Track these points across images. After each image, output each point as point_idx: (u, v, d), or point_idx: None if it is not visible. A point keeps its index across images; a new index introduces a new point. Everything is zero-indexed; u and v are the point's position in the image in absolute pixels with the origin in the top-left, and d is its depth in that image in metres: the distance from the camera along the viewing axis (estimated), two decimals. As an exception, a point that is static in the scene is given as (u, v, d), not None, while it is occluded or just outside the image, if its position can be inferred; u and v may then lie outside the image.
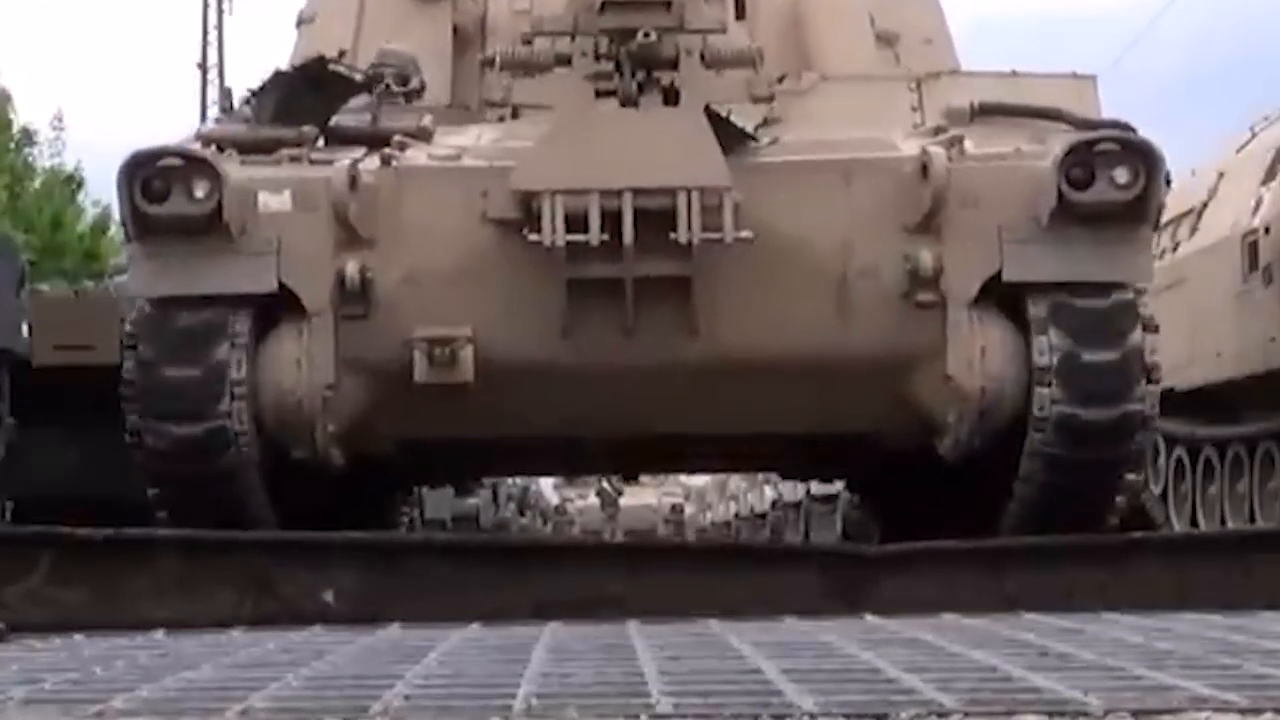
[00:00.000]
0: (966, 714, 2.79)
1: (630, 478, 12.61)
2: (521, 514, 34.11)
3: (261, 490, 7.22)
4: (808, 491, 26.07)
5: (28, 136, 31.99)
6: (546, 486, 40.22)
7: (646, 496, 36.51)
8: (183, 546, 5.55)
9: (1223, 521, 13.40)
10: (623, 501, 34.33)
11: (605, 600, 5.28)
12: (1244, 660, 3.56)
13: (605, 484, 33.45)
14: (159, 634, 4.84)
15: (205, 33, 37.57)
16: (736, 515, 37.58)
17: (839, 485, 22.36)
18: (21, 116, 32.26)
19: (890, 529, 9.92)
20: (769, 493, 31.70)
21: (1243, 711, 2.79)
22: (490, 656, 3.91)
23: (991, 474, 7.34)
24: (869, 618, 5.05)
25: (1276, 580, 5.46)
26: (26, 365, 11.53)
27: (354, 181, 7.10)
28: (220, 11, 37.59)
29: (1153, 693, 3.01)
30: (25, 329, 11.82)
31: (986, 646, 3.93)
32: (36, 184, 31.47)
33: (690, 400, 7.33)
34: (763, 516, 32.95)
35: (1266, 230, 12.54)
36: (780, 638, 4.28)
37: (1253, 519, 13.07)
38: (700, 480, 43.93)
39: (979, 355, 7.15)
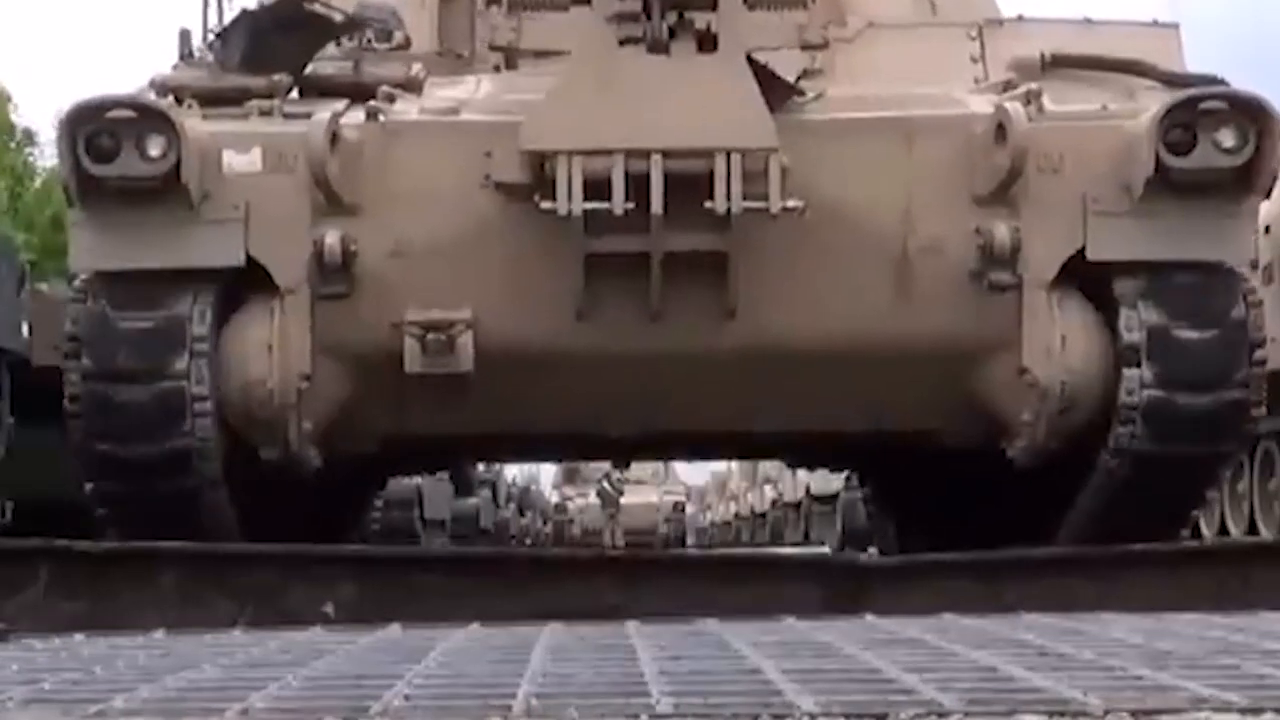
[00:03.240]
0: (966, 714, 2.78)
1: (624, 466, 11.60)
2: (522, 514, 34.20)
3: (222, 488, 6.41)
4: (808, 491, 26.10)
5: (28, 137, 32.07)
6: (546, 485, 40.29)
7: (647, 495, 36.47)
8: (182, 559, 5.51)
9: (1222, 521, 13.39)
10: (623, 500, 34.29)
11: (604, 611, 5.24)
12: (1244, 660, 3.56)
13: (606, 483, 33.43)
14: (159, 634, 4.83)
15: (205, 32, 37.46)
16: (736, 515, 37.65)
17: (838, 484, 22.41)
18: (21, 117, 32.32)
19: (910, 532, 9.36)
20: (769, 492, 31.76)
21: (1243, 711, 2.79)
22: (490, 656, 3.90)
23: (1050, 474, 6.58)
24: (869, 618, 5.04)
25: (1276, 591, 5.42)
26: (26, 365, 11.54)
27: (335, 138, 6.24)
28: (220, 11, 37.50)
29: (1153, 693, 3.00)
30: (25, 329, 11.84)
31: (986, 646, 3.92)
32: (37, 184, 31.51)
33: (723, 394, 6.54)
34: (763, 516, 33.01)
35: (1266, 230, 12.52)
36: (780, 638, 4.27)
37: (1252, 519, 13.07)
38: (700, 480, 44.04)
39: (1059, 345, 6.32)
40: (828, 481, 23.34)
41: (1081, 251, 6.32)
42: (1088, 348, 6.37)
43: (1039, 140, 6.24)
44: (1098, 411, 6.39)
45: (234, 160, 6.27)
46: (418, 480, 18.67)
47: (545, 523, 38.28)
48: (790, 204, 6.09)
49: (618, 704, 2.93)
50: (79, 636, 4.76)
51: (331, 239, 6.22)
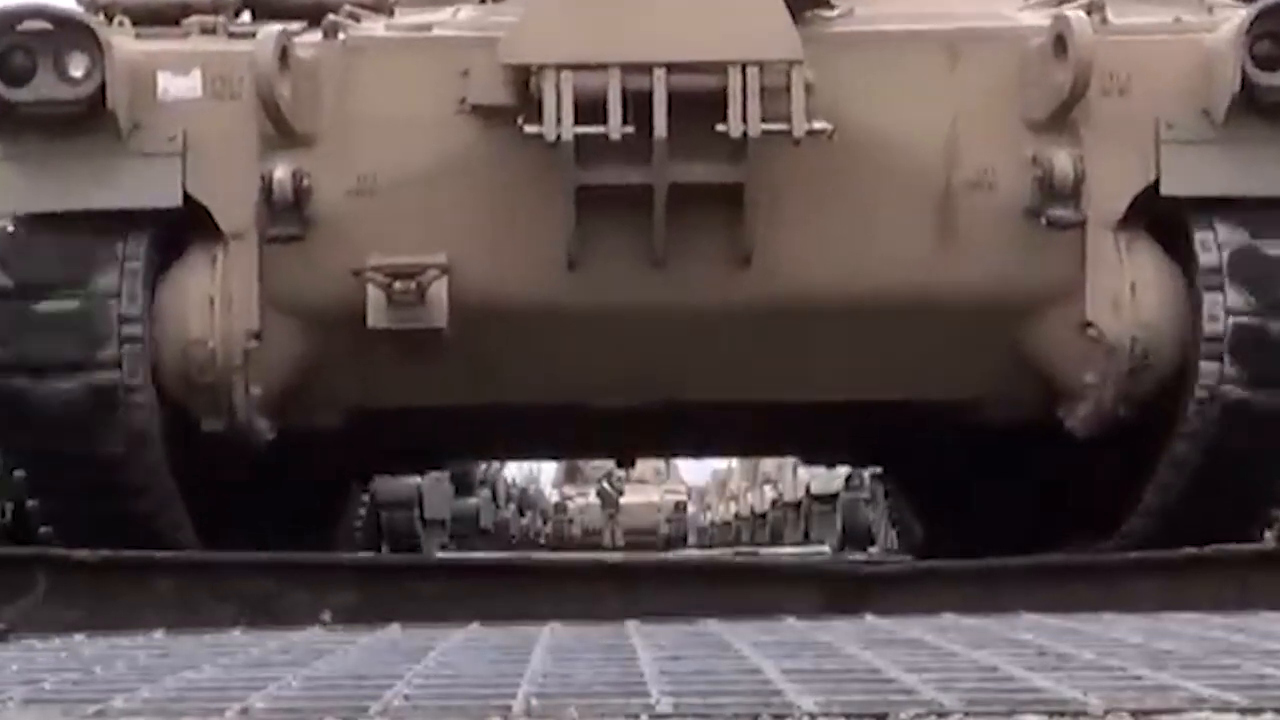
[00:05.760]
0: (966, 714, 2.78)
1: (629, 464, 11.05)
2: (522, 514, 34.14)
3: (165, 474, 5.74)
4: (808, 491, 26.08)
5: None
6: (545, 485, 40.31)
7: (649, 494, 36.42)
8: (179, 567, 5.50)
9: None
10: (624, 500, 34.30)
11: (604, 615, 5.23)
12: (1244, 660, 3.56)
13: (606, 483, 33.45)
14: (158, 634, 4.83)
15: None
16: (736, 515, 37.65)
17: (838, 484, 22.40)
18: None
19: (940, 536, 8.74)
20: (769, 492, 31.76)
21: (1243, 711, 2.79)
22: (490, 656, 3.90)
23: (1108, 459, 6.04)
24: (869, 618, 5.04)
25: (1275, 597, 5.41)
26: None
27: (285, 57, 5.45)
28: (220, 11, 37.43)
29: (1153, 693, 3.00)
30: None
31: (986, 646, 3.92)
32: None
33: (735, 355, 5.82)
34: (763, 516, 33.00)
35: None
36: (780, 638, 4.27)
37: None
38: (700, 480, 44.01)
39: (1128, 295, 5.58)
40: (828, 481, 23.34)
41: (1154, 186, 5.59)
42: (1161, 297, 5.64)
43: (1104, 56, 5.47)
44: (1173, 373, 5.69)
45: (170, 84, 5.53)
46: (417, 480, 18.69)
47: (545, 522, 38.26)
48: (816, 126, 5.33)
49: (618, 704, 2.93)
50: (79, 637, 4.75)
51: (282, 174, 5.48)
